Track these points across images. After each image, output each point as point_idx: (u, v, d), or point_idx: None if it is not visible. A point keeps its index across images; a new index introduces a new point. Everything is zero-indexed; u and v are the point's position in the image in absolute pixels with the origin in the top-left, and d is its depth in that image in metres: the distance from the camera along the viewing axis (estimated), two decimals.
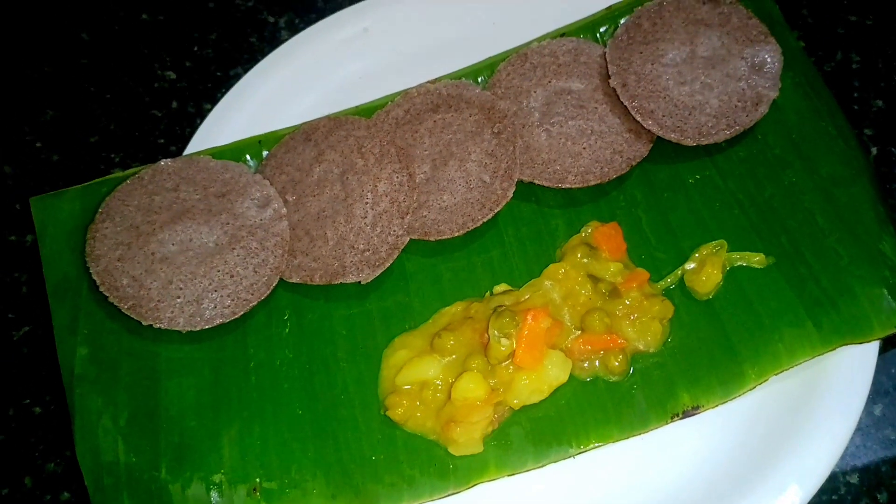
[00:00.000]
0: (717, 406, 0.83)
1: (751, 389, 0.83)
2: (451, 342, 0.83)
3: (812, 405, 0.81)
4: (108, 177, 0.92)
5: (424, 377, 0.83)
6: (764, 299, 0.87)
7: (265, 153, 0.96)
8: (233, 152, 0.95)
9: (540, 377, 0.82)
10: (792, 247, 0.89)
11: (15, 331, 0.92)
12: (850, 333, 0.83)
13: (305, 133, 0.95)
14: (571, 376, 0.83)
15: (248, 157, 0.96)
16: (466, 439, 0.81)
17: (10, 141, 1.05)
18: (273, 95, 1.02)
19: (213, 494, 0.78)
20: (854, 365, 0.83)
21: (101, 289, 0.84)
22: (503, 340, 0.81)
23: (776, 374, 0.83)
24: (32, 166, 1.03)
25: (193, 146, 0.96)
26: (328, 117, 0.96)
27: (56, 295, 0.86)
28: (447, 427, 0.81)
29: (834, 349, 0.83)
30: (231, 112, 1.00)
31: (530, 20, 1.05)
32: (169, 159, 0.92)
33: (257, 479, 0.79)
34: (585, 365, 0.85)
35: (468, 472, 0.81)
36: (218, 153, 0.95)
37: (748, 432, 0.83)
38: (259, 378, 0.84)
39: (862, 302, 0.84)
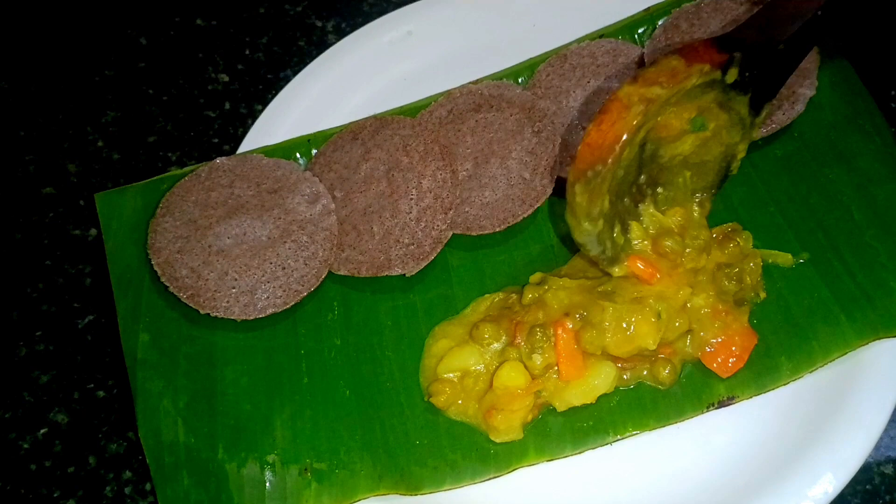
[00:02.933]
0: (751, 397, 0.86)
1: (785, 384, 0.86)
2: (488, 335, 0.87)
3: (847, 397, 0.83)
4: (166, 174, 0.97)
5: (465, 366, 0.86)
6: (798, 296, 0.89)
7: (314, 151, 1.00)
8: (283, 151, 1.00)
9: (585, 389, 0.85)
10: (828, 243, 0.90)
11: (80, 319, 0.98)
12: (885, 328, 0.84)
13: (352, 132, 0.99)
14: (617, 388, 0.86)
15: (297, 155, 1.00)
16: (507, 426, 0.84)
17: (74, 140, 1.11)
18: (321, 96, 1.06)
19: (268, 474, 0.82)
20: (889, 358, 0.84)
21: (162, 279, 0.89)
22: (535, 356, 0.84)
23: (811, 372, 0.85)
24: (95, 164, 1.08)
25: (246, 145, 1.00)
26: (374, 117, 1.00)
27: (119, 285, 0.91)
28: (488, 414, 0.84)
29: (868, 343, 0.84)
30: (281, 112, 1.04)
31: (570, 22, 1.08)
32: (224, 157, 0.96)
33: (308, 461, 0.83)
34: (626, 377, 0.87)
35: (508, 457, 0.84)
36: (269, 151, 0.99)
37: (783, 422, 0.84)
38: (309, 365, 0.88)
39: None
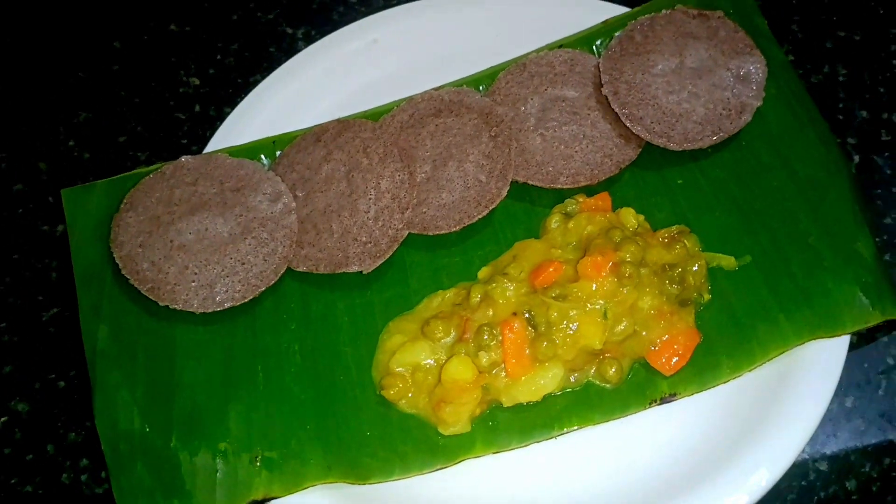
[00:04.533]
0: (692, 394, 0.88)
1: (725, 382, 0.88)
2: (439, 331, 0.89)
3: (784, 393, 0.86)
4: (132, 172, 1.00)
5: (416, 361, 0.89)
6: (740, 297, 0.91)
7: (278, 153, 1.03)
8: (248, 151, 1.03)
9: (532, 388, 0.87)
10: (773, 246, 0.93)
11: (44, 312, 1.00)
12: (822, 328, 0.87)
13: (315, 134, 1.02)
14: (564, 389, 0.89)
15: (262, 156, 1.03)
16: (455, 419, 0.87)
17: (45, 139, 1.14)
18: (287, 101, 1.09)
19: (219, 462, 0.85)
20: (825, 357, 0.87)
21: (123, 272, 0.92)
22: (481, 354, 0.87)
23: (750, 370, 0.88)
24: (65, 163, 1.11)
25: (212, 146, 1.03)
26: (337, 120, 1.03)
27: (83, 279, 0.94)
28: (438, 407, 0.87)
29: (805, 342, 0.87)
30: (248, 115, 1.07)
31: (530, 32, 1.11)
32: (189, 156, 0.99)
33: (259, 449, 0.85)
34: (573, 379, 0.89)
35: (456, 449, 0.86)
36: (235, 152, 1.02)
37: (724, 418, 0.87)
38: (266, 359, 0.91)
39: (835, 298, 0.89)
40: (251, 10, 1.24)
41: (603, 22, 1.10)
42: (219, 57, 1.20)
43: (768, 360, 0.88)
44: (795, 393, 0.85)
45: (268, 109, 1.08)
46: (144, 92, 1.17)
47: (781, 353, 0.88)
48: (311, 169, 1.00)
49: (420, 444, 0.87)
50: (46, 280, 1.02)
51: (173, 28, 1.23)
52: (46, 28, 1.24)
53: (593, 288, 0.88)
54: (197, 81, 1.18)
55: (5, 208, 1.08)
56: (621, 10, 1.11)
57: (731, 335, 0.90)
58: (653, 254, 0.92)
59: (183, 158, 0.99)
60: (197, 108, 1.15)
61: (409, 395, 0.88)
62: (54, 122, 1.15)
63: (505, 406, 0.88)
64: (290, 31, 1.21)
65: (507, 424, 0.88)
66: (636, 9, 1.09)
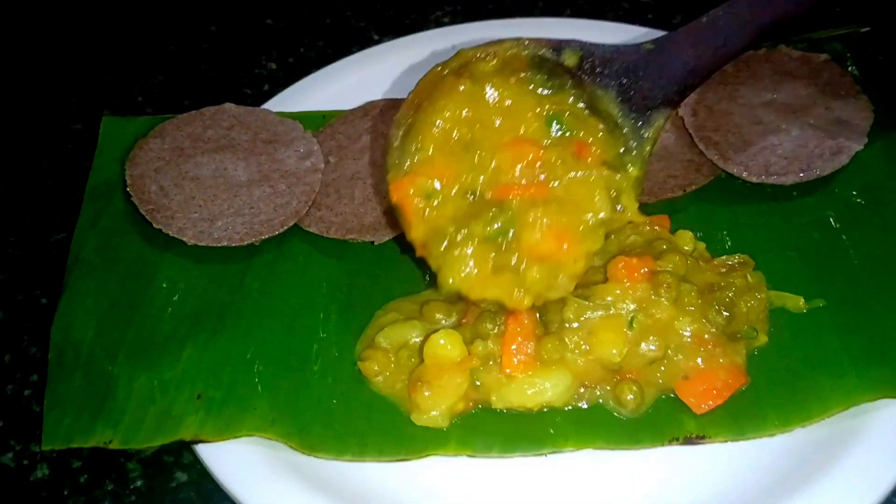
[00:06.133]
0: (725, 441, 0.72)
1: (770, 435, 0.72)
2: (440, 312, 0.78)
3: (847, 450, 0.69)
4: (180, 116, 0.97)
5: (404, 339, 0.77)
6: (804, 344, 0.76)
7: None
8: (297, 119, 0.99)
9: (530, 391, 0.74)
10: (852, 295, 0.78)
11: (55, 234, 0.97)
12: None
13: (364, 109, 0.98)
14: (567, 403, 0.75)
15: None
16: (431, 405, 0.74)
17: (119, 94, 1.15)
18: (354, 85, 1.04)
19: (157, 392, 0.75)
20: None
21: (128, 188, 0.87)
22: (478, 342, 0.75)
23: (802, 426, 0.71)
24: (129, 114, 1.11)
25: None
26: (389, 98, 0.98)
27: (91, 194, 0.90)
28: (414, 387, 0.74)
29: (874, 400, 0.70)
30: (310, 89, 1.03)
31: None
32: (233, 104, 0.96)
33: (204, 387, 0.75)
34: (581, 392, 0.75)
35: (425, 442, 0.73)
36: (282, 115, 0.98)
37: (760, 470, 0.70)
38: (247, 303, 0.82)
39: None
40: (346, 17, 1.25)
41: None
42: (301, 49, 1.20)
43: (827, 417, 0.71)
44: (856, 453, 0.68)
45: (332, 89, 1.04)
46: (221, 67, 1.18)
47: (844, 410, 0.71)
48: (350, 138, 0.94)
49: (385, 430, 0.74)
50: (69, 206, 1.00)
51: (269, 22, 1.25)
52: (151, 3, 1.30)
53: (619, 293, 0.75)
54: (274, 66, 1.18)
55: (58, 142, 1.09)
56: None
57: (784, 383, 0.74)
58: (702, 276, 0.78)
59: (226, 105, 0.96)
60: (266, 87, 1.14)
61: (387, 373, 0.77)
62: (131, 81, 1.17)
63: (494, 407, 0.74)
64: (376, 37, 1.20)
65: (490, 427, 0.74)
66: None
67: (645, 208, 0.87)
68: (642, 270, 0.76)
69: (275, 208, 0.87)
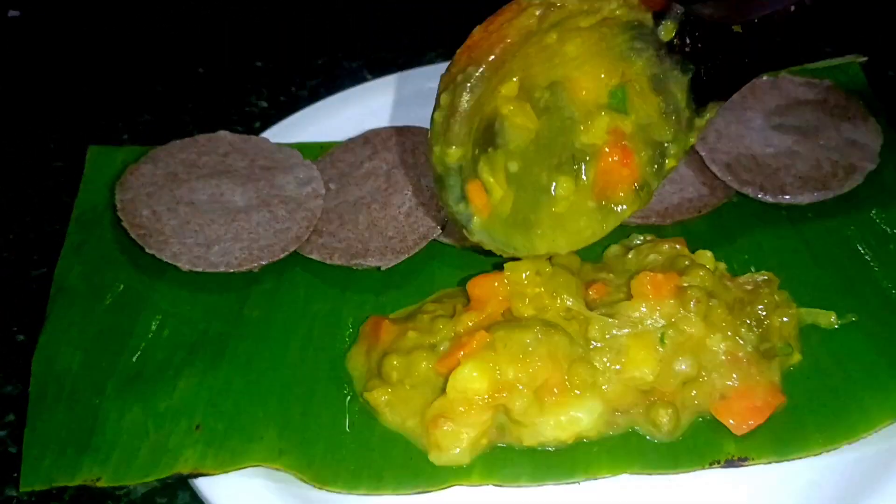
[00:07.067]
0: (769, 462, 0.67)
1: (816, 454, 0.67)
2: (431, 308, 0.75)
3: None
4: (172, 143, 0.93)
5: (413, 364, 0.71)
6: (841, 360, 0.73)
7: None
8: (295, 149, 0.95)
9: (561, 421, 0.69)
10: (885, 307, 0.76)
11: (34, 270, 0.91)
12: None
13: (366, 137, 0.94)
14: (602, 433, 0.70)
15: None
16: (454, 444, 0.68)
17: (104, 133, 1.11)
18: (349, 119, 1.01)
19: (151, 424, 0.68)
20: None
21: (119, 214, 0.82)
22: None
23: (849, 443, 0.67)
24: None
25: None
26: (392, 126, 0.95)
27: (77, 221, 0.85)
28: (434, 423, 0.68)
29: None
30: (304, 122, 1.00)
31: None
32: (228, 132, 0.93)
33: (203, 417, 0.68)
34: (615, 417, 0.71)
35: (446, 471, 0.67)
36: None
37: (810, 488, 0.66)
38: (247, 330, 0.77)
39: None
40: (338, 57, 1.23)
41: None
42: (293, 88, 1.17)
43: (873, 432, 0.67)
44: None
45: (327, 122, 1.01)
46: (210, 105, 1.15)
47: (890, 424, 0.67)
48: (351, 166, 0.91)
49: (402, 460, 0.68)
50: (50, 241, 0.94)
51: (258, 64, 1.23)
52: (138, 46, 1.27)
53: (644, 310, 0.71)
54: (265, 104, 1.15)
55: (38, 180, 1.04)
56: None
57: (824, 400, 0.70)
58: (729, 294, 0.75)
59: (222, 132, 0.92)
60: (257, 124, 1.11)
61: (398, 405, 0.70)
62: (116, 119, 1.13)
63: (525, 445, 0.68)
64: (369, 77, 1.18)
65: (516, 455, 0.68)
66: None
67: (660, 231, 0.85)
68: (670, 287, 0.72)
69: (275, 233, 0.83)
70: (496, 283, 0.74)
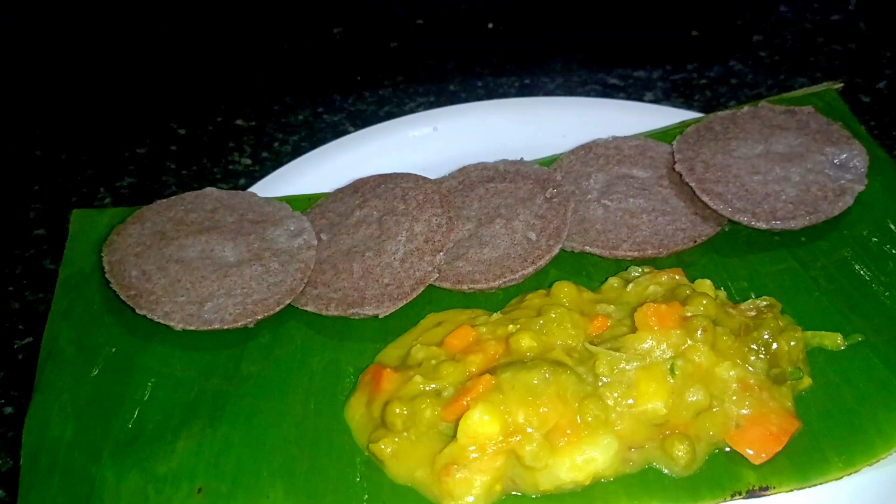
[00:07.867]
0: (791, 490, 0.65)
1: (837, 478, 0.66)
2: (422, 353, 0.74)
3: None
4: (158, 201, 0.91)
5: (410, 391, 0.70)
6: (851, 381, 0.72)
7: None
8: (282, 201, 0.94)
9: (576, 462, 0.67)
10: (890, 324, 0.75)
11: (18, 340, 0.88)
12: None
13: (354, 186, 0.94)
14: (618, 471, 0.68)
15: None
16: (467, 491, 0.66)
17: (84, 199, 1.09)
18: (336, 170, 1.01)
19: (151, 489, 0.65)
20: None
21: (107, 275, 0.80)
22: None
23: (870, 464, 0.66)
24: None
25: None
26: (380, 174, 0.94)
27: (63, 286, 0.83)
28: (446, 471, 0.66)
29: None
30: (291, 176, 1.00)
31: (601, 133, 1.03)
32: (215, 189, 0.91)
33: (205, 479, 0.66)
34: (630, 453, 0.69)
35: None
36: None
37: None
38: (245, 386, 0.74)
39: None
40: (318, 112, 1.23)
41: (680, 122, 1.02)
42: (276, 145, 1.17)
43: (894, 451, 0.66)
44: None
45: (314, 174, 1.01)
46: (192, 164, 1.14)
47: None
48: (342, 215, 0.90)
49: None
50: (33, 312, 0.91)
51: (239, 122, 1.22)
52: (116, 108, 1.27)
53: (650, 343, 0.70)
54: (248, 161, 1.14)
55: (19, 249, 1.01)
56: (698, 115, 1.03)
57: (839, 423, 0.69)
58: (732, 321, 0.74)
59: (208, 189, 0.91)
60: (242, 181, 1.10)
61: (404, 455, 0.68)
62: (96, 183, 1.11)
63: (541, 490, 0.66)
64: (351, 129, 1.18)
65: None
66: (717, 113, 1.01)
67: (656, 263, 0.85)
68: (675, 318, 0.71)
69: (268, 287, 0.81)
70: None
